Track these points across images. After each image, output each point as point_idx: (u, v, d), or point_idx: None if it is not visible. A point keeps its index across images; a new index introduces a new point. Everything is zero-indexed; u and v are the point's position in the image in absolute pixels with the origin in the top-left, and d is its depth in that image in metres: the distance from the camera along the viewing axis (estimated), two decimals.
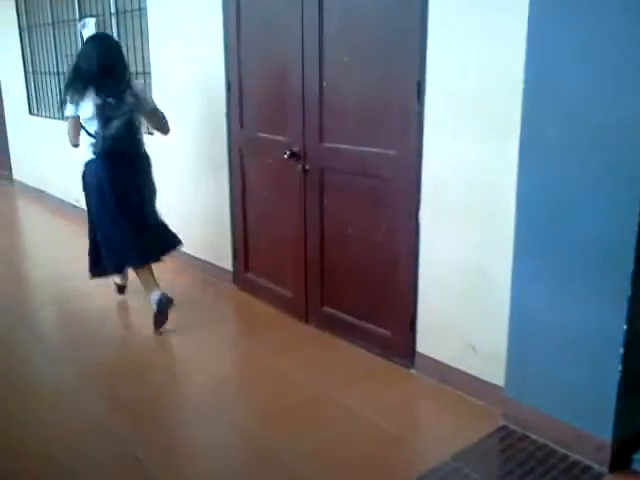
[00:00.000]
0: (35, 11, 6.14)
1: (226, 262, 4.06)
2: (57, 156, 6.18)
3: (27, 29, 6.37)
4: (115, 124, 3.19)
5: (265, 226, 3.67)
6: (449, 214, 2.56)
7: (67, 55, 5.72)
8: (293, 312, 3.49)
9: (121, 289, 3.89)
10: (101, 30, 4.92)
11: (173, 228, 3.64)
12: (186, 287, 4.07)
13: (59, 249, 4.99)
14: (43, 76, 6.30)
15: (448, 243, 2.58)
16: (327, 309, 3.28)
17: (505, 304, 2.32)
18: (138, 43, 4.64)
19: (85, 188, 3.43)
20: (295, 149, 3.25)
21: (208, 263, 4.22)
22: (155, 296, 3.31)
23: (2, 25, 6.87)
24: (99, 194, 3.32)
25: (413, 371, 2.85)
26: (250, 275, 3.87)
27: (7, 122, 7.31)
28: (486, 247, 2.44)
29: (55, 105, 6.12)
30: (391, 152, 2.75)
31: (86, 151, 3.30)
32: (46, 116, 6.33)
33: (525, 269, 2.23)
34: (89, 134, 3.26)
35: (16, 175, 7.37)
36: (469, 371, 2.59)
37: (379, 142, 2.79)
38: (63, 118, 3.73)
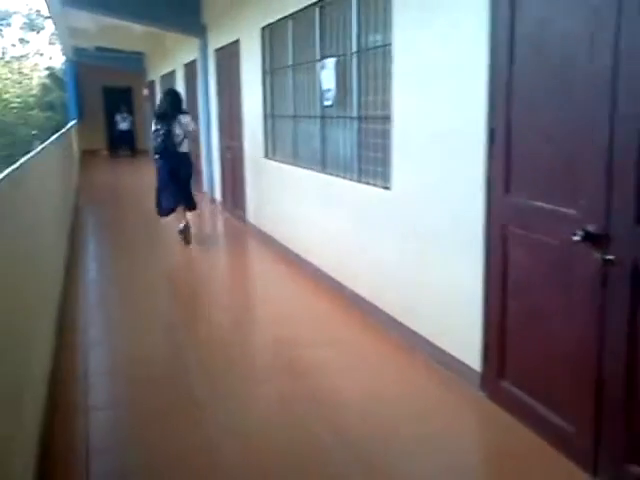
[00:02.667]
0: (278, 54, 6.00)
1: (471, 357, 3.17)
2: (286, 202, 5.92)
3: (270, 72, 6.28)
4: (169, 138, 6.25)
5: (534, 328, 2.70)
6: None
7: (304, 98, 5.42)
8: (571, 453, 2.46)
9: (186, 231, 6.49)
10: (341, 69, 4.52)
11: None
12: (415, 380, 3.29)
13: (279, 302, 4.61)
14: (279, 120, 6.13)
15: None
16: (635, 468, 2.20)
17: None
18: (379, 83, 4.05)
19: (161, 174, 6.45)
20: (591, 229, 2.27)
21: (442, 350, 3.40)
22: (181, 224, 6.44)
23: (250, 69, 6.94)
24: (164, 175, 6.39)
25: None
26: (505, 384, 2.93)
27: (246, 164, 7.37)
28: None
29: (288, 149, 5.88)
30: None
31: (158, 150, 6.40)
32: (280, 160, 6.14)
33: None
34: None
35: (249, 216, 7.39)
36: None
37: None
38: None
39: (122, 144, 18.94)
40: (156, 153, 6.38)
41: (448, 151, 3.24)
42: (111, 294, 5.08)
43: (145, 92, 16.52)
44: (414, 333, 3.68)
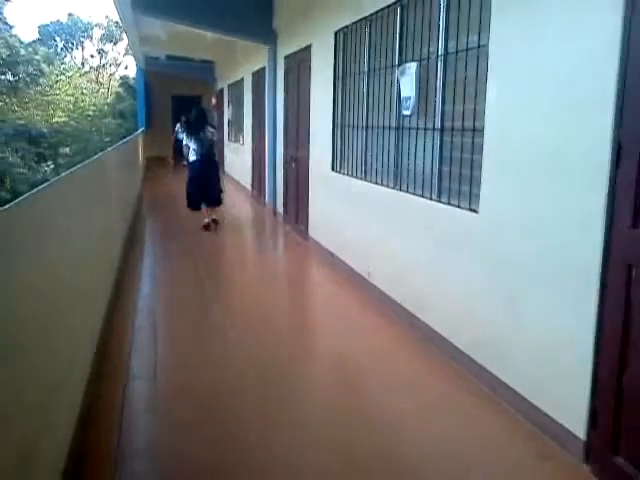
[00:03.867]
0: (352, 59, 5.57)
1: (572, 421, 2.60)
2: (353, 219, 5.46)
3: (342, 79, 5.87)
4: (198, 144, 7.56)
5: None
6: None
7: (378, 107, 4.96)
8: None
9: (208, 225, 7.68)
10: (423, 75, 4.04)
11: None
12: (500, 438, 2.74)
13: (342, 335, 4.13)
14: (350, 130, 5.69)
15: None
16: None
17: None
18: (469, 90, 3.54)
19: (191, 174, 7.74)
20: None
21: (534, 407, 2.83)
22: (207, 219, 7.68)
23: (321, 76, 6.55)
24: (192, 173, 7.69)
25: None
26: (619, 461, 2.34)
27: (311, 176, 6.97)
28: None
29: (358, 162, 5.42)
30: None
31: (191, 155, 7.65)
32: (348, 174, 5.69)
33: None
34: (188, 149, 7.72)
35: (312, 232, 6.97)
36: None
37: None
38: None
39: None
40: (194, 158, 7.64)
41: (557, 170, 2.70)
42: (163, 319, 4.75)
43: (213, 101, 16.51)
44: (500, 382, 3.13)
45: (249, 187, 11.59)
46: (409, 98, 4.28)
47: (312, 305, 5.24)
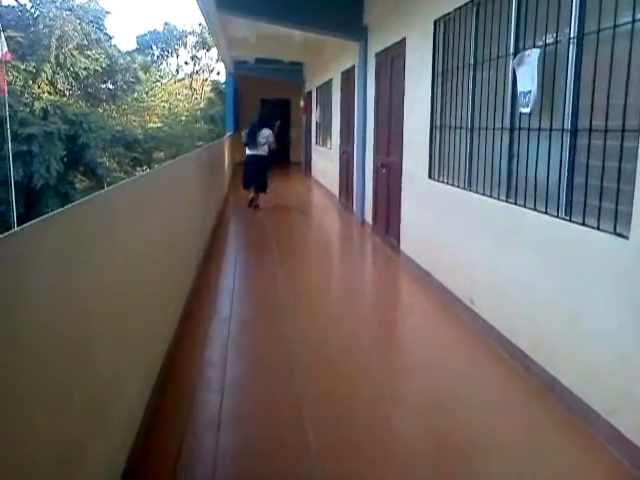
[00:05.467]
0: (454, 51, 4.85)
1: None
2: (452, 236, 4.74)
3: (441, 73, 5.15)
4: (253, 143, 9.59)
5: None
6: None
7: (486, 104, 4.21)
8: None
9: (252, 201, 9.87)
10: (549, 63, 3.29)
11: None
12: None
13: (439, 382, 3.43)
14: (451, 132, 4.96)
15: None
16: None
17: None
18: (617, 79, 2.75)
19: (245, 163, 9.90)
20: None
21: None
22: (251, 195, 9.91)
23: (417, 72, 5.86)
24: (246, 164, 9.82)
25: None
26: None
27: (404, 184, 6.28)
28: None
29: (461, 169, 4.69)
30: None
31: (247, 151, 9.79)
32: (448, 182, 4.96)
33: None
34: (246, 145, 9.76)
35: (403, 246, 6.28)
36: None
37: None
38: None
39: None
40: (248, 153, 9.83)
41: None
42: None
43: (301, 104, 16.17)
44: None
45: (336, 193, 11.04)
46: (528, 92, 3.51)
47: (403, 336, 4.53)
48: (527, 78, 3.51)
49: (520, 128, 3.71)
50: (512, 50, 3.82)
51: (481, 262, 4.20)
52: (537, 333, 3.41)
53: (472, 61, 4.49)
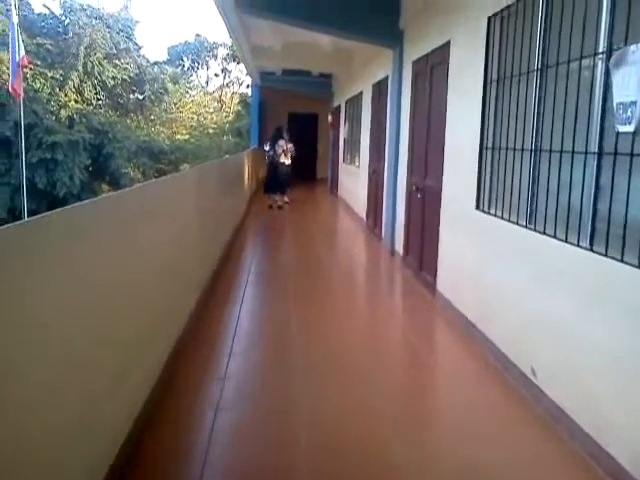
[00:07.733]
0: (514, 53, 3.88)
1: None
2: (506, 282, 3.75)
3: (496, 81, 4.19)
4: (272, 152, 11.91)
5: None
6: None
7: (559, 120, 3.24)
8: None
9: (279, 207, 11.66)
10: None
11: None
12: None
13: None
14: (506, 153, 3.99)
15: None
16: None
17: None
18: None
19: (267, 171, 12.30)
20: None
21: None
22: (280, 201, 11.80)
23: (465, 80, 4.92)
24: (269, 169, 12.06)
25: None
26: None
27: (443, 212, 5.31)
28: None
29: (521, 201, 3.70)
30: None
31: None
32: (502, 216, 3.98)
33: None
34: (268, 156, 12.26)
35: (440, 286, 5.29)
36: None
37: None
38: None
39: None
40: (267, 161, 12.07)
41: None
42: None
43: (329, 119, 15.43)
44: None
45: (363, 216, 10.09)
46: (632, 104, 2.54)
47: (441, 414, 3.50)
48: (631, 84, 2.54)
49: (616, 153, 2.71)
50: (602, 48, 2.85)
51: (547, 323, 3.21)
52: (607, 415, 2.40)
53: (539, 65, 3.52)
